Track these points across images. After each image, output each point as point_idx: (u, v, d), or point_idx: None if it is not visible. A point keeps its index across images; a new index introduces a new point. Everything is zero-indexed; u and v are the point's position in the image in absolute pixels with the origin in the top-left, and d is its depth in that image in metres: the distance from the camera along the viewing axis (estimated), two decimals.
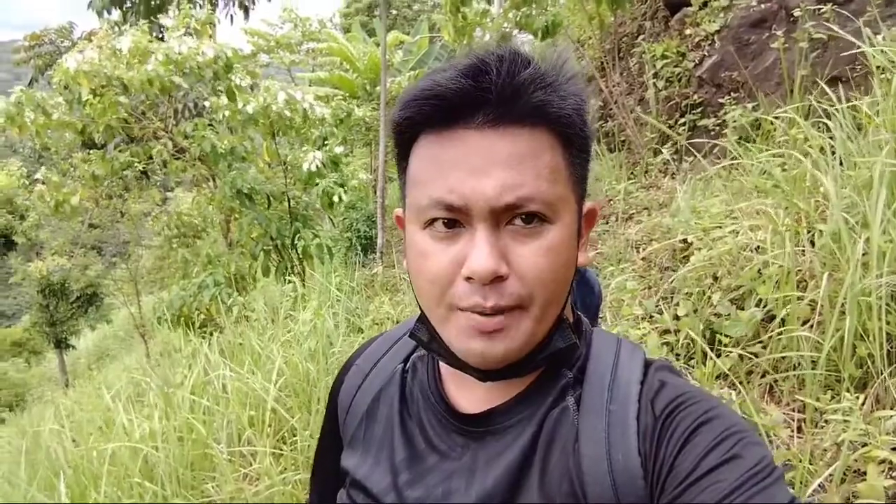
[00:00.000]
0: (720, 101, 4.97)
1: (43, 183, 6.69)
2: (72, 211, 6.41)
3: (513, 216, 0.62)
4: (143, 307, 13.54)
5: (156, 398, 3.75)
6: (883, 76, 2.74)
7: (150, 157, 6.32)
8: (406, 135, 0.67)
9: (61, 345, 16.53)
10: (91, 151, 6.88)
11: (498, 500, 0.67)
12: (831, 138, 2.88)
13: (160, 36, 6.41)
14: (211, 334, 5.29)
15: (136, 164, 6.40)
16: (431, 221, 0.64)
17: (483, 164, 0.61)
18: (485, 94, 0.61)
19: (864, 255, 2.19)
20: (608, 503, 0.63)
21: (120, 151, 6.35)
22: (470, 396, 0.74)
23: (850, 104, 2.90)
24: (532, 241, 0.63)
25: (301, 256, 6.28)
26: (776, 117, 3.71)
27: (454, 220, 0.63)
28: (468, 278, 0.62)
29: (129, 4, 10.77)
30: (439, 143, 0.64)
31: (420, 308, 0.71)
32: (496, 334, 0.63)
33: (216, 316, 5.69)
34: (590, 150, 0.70)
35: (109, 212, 10.86)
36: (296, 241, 6.09)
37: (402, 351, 0.85)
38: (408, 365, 0.82)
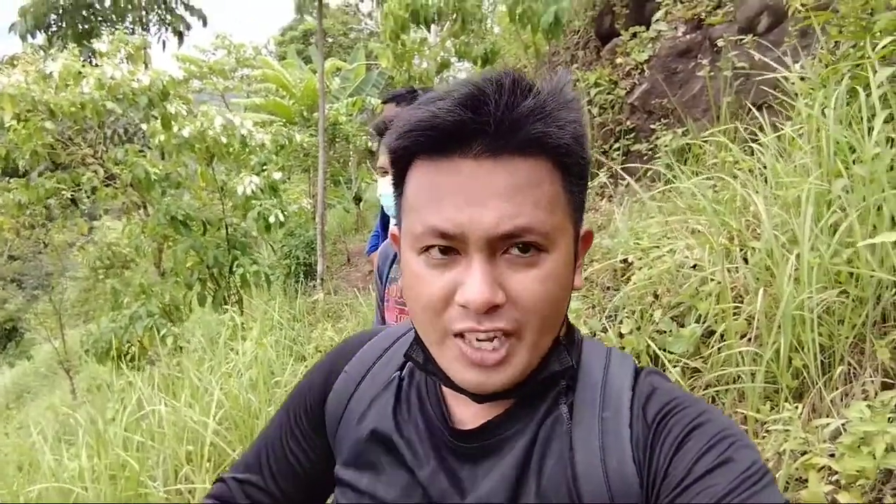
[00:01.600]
0: (651, 126, 5.18)
1: None
2: None
3: (509, 245, 0.62)
4: (68, 341, 12.85)
5: (84, 435, 3.54)
6: (802, 101, 2.91)
7: (78, 185, 6.06)
8: (402, 160, 0.67)
9: None
10: (13, 180, 6.56)
11: None
12: (759, 161, 3.03)
13: (90, 60, 6.20)
14: (145, 367, 5.07)
15: (62, 192, 6.11)
16: (427, 248, 0.64)
17: (480, 194, 0.61)
18: (482, 126, 0.60)
19: (795, 270, 2.29)
20: None
21: (45, 178, 6.06)
22: (467, 408, 0.73)
23: (777, 132, 3.07)
24: (529, 270, 0.63)
25: (239, 285, 6.11)
26: (705, 141, 3.89)
27: (450, 248, 0.63)
28: (462, 305, 0.62)
29: (54, 28, 10.39)
30: (436, 171, 0.63)
31: (415, 330, 0.72)
32: (492, 368, 0.63)
33: (150, 348, 5.45)
34: (587, 176, 0.69)
35: (31, 242, 10.33)
36: (234, 269, 5.92)
37: (397, 358, 0.84)
38: (404, 372, 0.82)
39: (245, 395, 3.66)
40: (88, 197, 6.98)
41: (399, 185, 0.70)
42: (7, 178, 6.84)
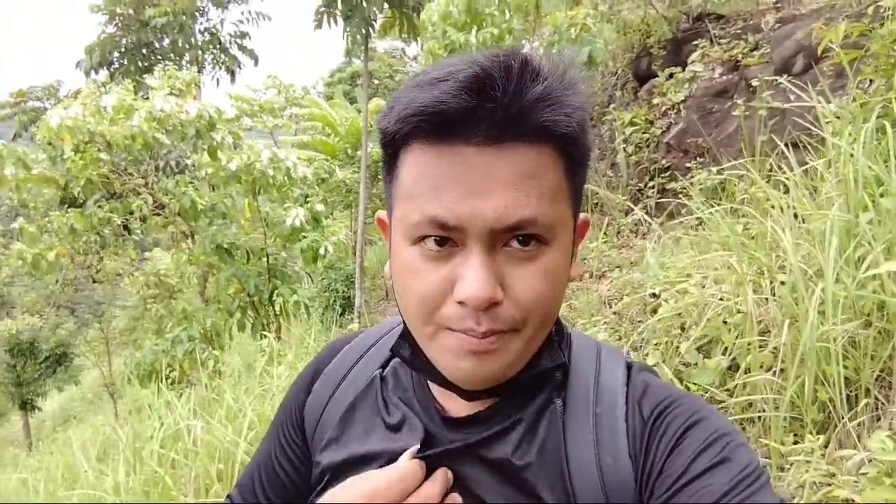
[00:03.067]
0: (687, 165, 5.19)
1: (20, 233, 6.68)
2: (48, 267, 6.37)
3: (510, 238, 0.59)
4: (115, 368, 13.23)
5: (124, 451, 3.66)
6: (833, 139, 2.92)
7: (131, 213, 6.35)
8: (398, 142, 0.62)
9: (27, 406, 15.98)
10: (69, 209, 6.92)
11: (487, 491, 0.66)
12: (788, 196, 3.04)
13: (145, 96, 6.56)
14: (183, 390, 5.22)
15: (115, 219, 6.42)
16: (422, 238, 0.60)
17: (483, 183, 0.57)
18: (489, 113, 0.56)
19: (820, 303, 2.28)
20: None
21: (99, 207, 6.38)
22: (456, 401, 0.71)
23: (806, 166, 3.08)
24: (529, 264, 0.60)
25: (278, 313, 6.27)
26: (739, 177, 3.89)
27: (447, 238, 0.59)
28: (460, 302, 0.59)
29: (116, 65, 11.03)
30: (434, 157, 0.59)
31: (404, 323, 0.69)
32: (486, 355, 0.61)
33: (189, 372, 5.61)
34: (588, 162, 0.66)
35: (85, 271, 10.76)
36: (273, 298, 6.09)
37: (378, 357, 0.81)
38: (386, 371, 0.79)
39: None
40: (140, 226, 7.31)
41: (391, 168, 0.65)
42: (66, 207, 7.22)
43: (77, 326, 16.78)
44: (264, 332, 5.69)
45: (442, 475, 0.66)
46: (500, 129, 0.57)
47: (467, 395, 0.66)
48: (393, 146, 0.63)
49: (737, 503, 0.55)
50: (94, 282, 12.24)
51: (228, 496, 0.88)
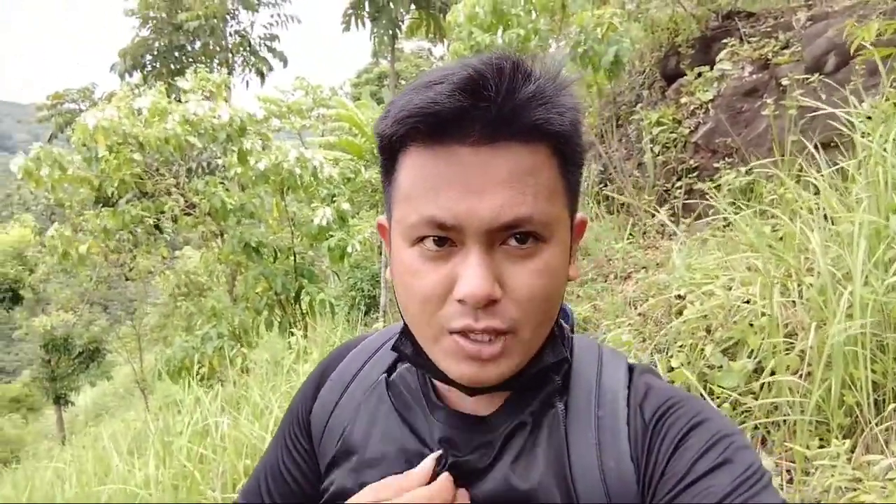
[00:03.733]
0: (715, 165, 5.13)
1: (55, 236, 6.86)
2: (79, 260, 6.51)
3: (507, 236, 0.60)
4: (146, 363, 13.50)
5: (154, 445, 3.75)
6: (864, 140, 2.87)
7: (162, 212, 6.49)
8: (394, 146, 0.64)
9: (60, 401, 16.40)
10: (104, 208, 7.09)
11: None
12: (819, 197, 2.99)
13: (178, 98, 6.70)
14: (212, 386, 5.31)
15: (147, 218, 6.56)
16: (421, 239, 0.61)
17: (479, 183, 0.58)
18: (483, 113, 0.58)
19: (848, 306, 2.25)
20: None
21: (132, 206, 6.53)
22: (460, 401, 0.72)
23: (837, 166, 3.03)
24: (527, 262, 0.61)
25: (304, 312, 6.34)
26: (768, 178, 3.85)
27: (445, 238, 0.60)
28: (460, 301, 0.60)
29: (149, 68, 11.26)
30: (431, 158, 0.60)
31: (404, 322, 0.69)
32: (489, 361, 0.61)
33: (218, 369, 5.71)
34: (583, 162, 0.67)
35: (118, 268, 11.00)
36: (300, 297, 6.16)
37: (383, 362, 0.81)
38: (393, 375, 0.79)
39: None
40: (172, 226, 7.46)
41: (389, 172, 0.66)
42: (100, 206, 7.39)
43: (109, 323, 17.17)
44: (291, 331, 5.76)
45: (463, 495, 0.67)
46: (495, 129, 0.58)
47: (470, 391, 0.67)
48: (390, 150, 0.64)
49: None
50: (127, 279, 12.50)
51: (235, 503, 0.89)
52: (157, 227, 7.23)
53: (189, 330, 6.36)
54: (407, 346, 0.71)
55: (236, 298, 7.26)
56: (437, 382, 0.74)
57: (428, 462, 0.67)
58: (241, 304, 6.44)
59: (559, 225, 0.63)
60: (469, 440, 0.70)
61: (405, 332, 0.71)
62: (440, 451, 0.69)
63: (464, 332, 0.61)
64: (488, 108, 0.58)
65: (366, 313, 8.08)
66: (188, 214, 6.60)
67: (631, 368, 0.71)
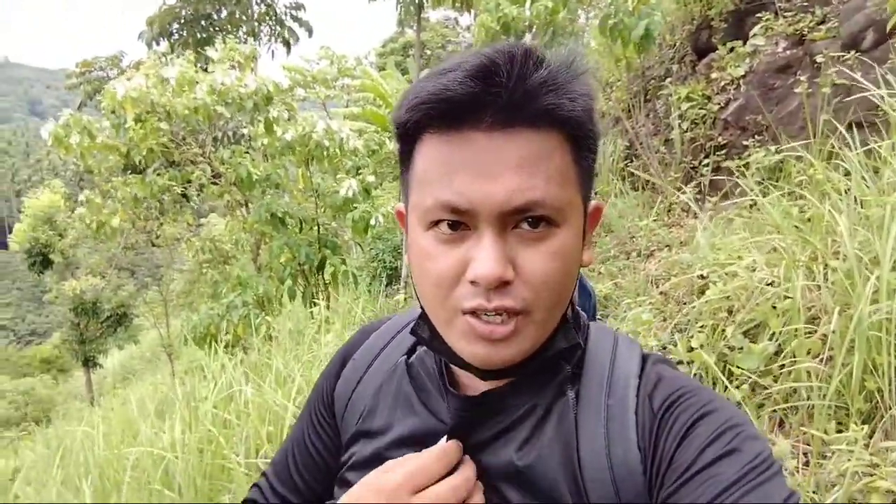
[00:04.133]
0: (744, 143, 5.04)
1: (84, 204, 7.00)
2: (112, 232, 6.66)
3: (520, 220, 0.61)
4: (172, 329, 13.79)
5: (181, 410, 3.85)
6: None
7: (189, 181, 6.57)
8: (410, 133, 0.65)
9: (89, 363, 16.85)
10: (132, 175, 7.19)
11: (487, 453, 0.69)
12: (849, 179, 2.94)
13: (205, 67, 6.73)
14: (236, 354, 5.42)
15: (174, 187, 6.65)
16: (436, 223, 0.63)
17: (492, 167, 0.60)
18: (494, 98, 0.59)
19: (874, 292, 2.23)
20: (608, 498, 0.63)
21: (159, 175, 6.62)
22: (476, 385, 0.73)
23: (868, 147, 2.97)
24: (539, 245, 0.62)
25: (327, 282, 6.41)
26: (797, 158, 3.78)
27: (459, 222, 0.62)
28: (473, 282, 0.61)
29: (176, 37, 11.29)
30: (446, 144, 0.62)
31: (422, 306, 0.71)
32: (501, 341, 0.63)
33: (243, 336, 5.82)
34: (597, 149, 0.68)
35: (145, 235, 11.19)
36: (324, 267, 6.23)
37: (404, 344, 0.84)
38: (412, 357, 0.81)
39: None
40: (198, 194, 7.54)
41: (406, 160, 0.68)
42: (128, 173, 7.50)
43: (137, 288, 17.51)
44: (314, 301, 5.84)
45: (470, 464, 0.69)
46: (507, 114, 0.59)
47: (483, 374, 0.68)
48: (407, 138, 0.66)
49: (744, 494, 0.55)
50: (153, 245, 12.70)
51: (264, 473, 0.92)
52: (183, 195, 7.33)
53: (215, 297, 6.46)
54: (424, 330, 0.73)
55: (260, 267, 7.36)
56: (453, 367, 0.75)
57: (444, 443, 0.69)
58: (265, 273, 6.53)
59: (572, 210, 0.64)
60: (480, 423, 0.71)
61: (423, 316, 0.72)
62: (452, 440, 0.70)
63: (476, 313, 0.62)
64: (499, 93, 0.59)
65: (387, 284, 8.14)
66: (214, 184, 6.67)
67: (645, 358, 0.72)
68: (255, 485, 0.92)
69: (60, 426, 6.92)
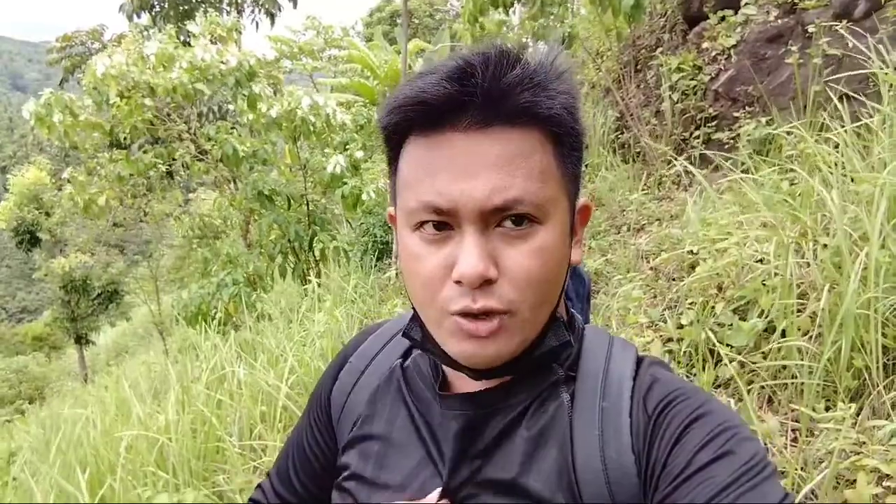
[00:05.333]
0: (735, 114, 5.01)
1: (69, 182, 6.91)
2: (99, 211, 6.59)
3: (502, 218, 0.61)
4: (163, 305, 13.76)
5: (174, 391, 3.85)
6: (891, 93, 2.78)
7: (174, 159, 6.49)
8: (394, 138, 0.67)
9: (81, 340, 16.83)
10: (117, 151, 7.07)
11: (478, 460, 0.69)
12: (839, 154, 2.93)
13: (187, 41, 6.60)
14: (226, 333, 5.41)
15: (159, 165, 6.56)
16: (421, 224, 0.64)
17: (471, 166, 0.60)
18: (470, 98, 0.60)
19: (864, 268, 2.23)
20: (603, 500, 0.63)
21: (144, 152, 6.53)
22: (468, 382, 0.73)
23: (859, 123, 2.95)
24: (522, 243, 0.62)
25: (318, 259, 6.39)
26: (788, 133, 3.75)
27: (443, 222, 0.62)
28: (458, 281, 0.61)
29: (157, 9, 11.05)
30: (427, 146, 0.63)
31: (413, 308, 0.71)
32: (487, 339, 0.63)
33: (235, 314, 5.81)
34: (582, 147, 0.68)
35: (133, 211, 11.08)
36: (313, 244, 6.20)
37: (399, 347, 0.84)
38: (407, 361, 0.82)
39: (316, 363, 3.88)
40: (184, 171, 7.45)
41: (393, 163, 0.69)
42: (114, 150, 7.38)
43: (127, 265, 17.43)
44: (307, 278, 5.83)
45: None
46: (484, 114, 0.60)
47: (476, 375, 0.68)
48: (392, 142, 0.68)
49: (739, 496, 0.55)
50: (145, 215, 12.57)
51: (268, 473, 0.94)
52: (169, 173, 7.24)
53: (205, 275, 6.43)
54: (416, 332, 0.73)
55: (251, 244, 7.32)
56: (446, 370, 0.76)
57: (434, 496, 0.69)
58: (255, 250, 6.50)
59: (554, 207, 0.64)
60: (474, 426, 0.71)
61: (415, 318, 0.73)
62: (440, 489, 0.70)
63: (463, 313, 0.62)
64: (475, 93, 0.60)
65: (378, 259, 8.12)
66: (200, 160, 6.59)
67: (639, 360, 0.72)
68: (259, 485, 0.93)
69: (55, 406, 6.93)
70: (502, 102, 0.60)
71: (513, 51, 0.62)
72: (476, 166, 0.60)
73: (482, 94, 0.60)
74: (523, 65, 0.61)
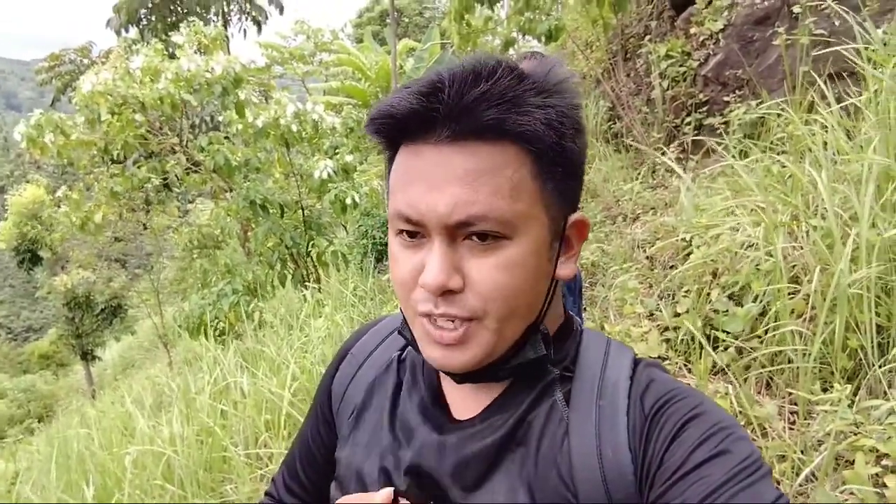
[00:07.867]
0: (725, 99, 5.01)
1: (65, 200, 6.91)
2: (96, 228, 6.60)
3: (468, 232, 0.62)
4: (166, 317, 13.78)
5: (178, 403, 3.86)
6: (875, 72, 2.77)
7: (167, 172, 6.49)
8: (390, 147, 0.69)
9: (87, 356, 16.86)
10: (113, 166, 7.07)
11: (471, 474, 0.69)
12: (828, 135, 2.92)
13: (174, 54, 6.60)
14: (226, 342, 5.42)
15: (153, 179, 6.56)
16: (399, 230, 0.66)
17: (438, 179, 0.61)
18: (434, 114, 0.61)
19: (854, 249, 2.23)
20: (599, 498, 0.64)
21: (139, 167, 6.53)
22: (458, 392, 0.75)
23: (844, 103, 2.94)
24: (488, 256, 0.62)
25: (316, 264, 6.39)
26: (778, 114, 3.75)
27: (415, 231, 0.64)
28: (423, 287, 0.63)
29: (144, 23, 11.04)
30: (408, 156, 0.65)
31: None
32: (453, 346, 0.64)
33: (235, 324, 5.81)
34: (568, 163, 0.66)
35: (133, 225, 11.09)
36: (310, 250, 6.20)
37: (397, 343, 0.85)
38: (404, 354, 0.84)
39: (317, 369, 3.88)
40: (179, 185, 7.45)
41: (388, 168, 0.71)
42: (111, 164, 7.36)
43: (129, 279, 17.43)
44: (305, 284, 5.83)
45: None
46: (451, 128, 0.61)
47: (458, 378, 0.70)
48: (388, 151, 0.70)
49: (733, 495, 0.56)
50: (145, 228, 12.56)
51: (273, 478, 0.96)
52: (165, 185, 7.24)
53: (205, 286, 6.43)
54: (406, 331, 0.74)
55: (250, 253, 7.32)
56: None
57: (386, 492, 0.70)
58: (254, 259, 6.50)
59: (526, 223, 0.63)
60: (462, 431, 0.72)
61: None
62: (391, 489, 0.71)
63: (428, 316, 0.65)
64: (438, 108, 0.61)
65: (377, 260, 8.12)
66: (195, 172, 6.59)
67: (636, 361, 0.72)
68: (273, 480, 0.95)
69: (61, 424, 6.95)
70: (465, 119, 0.60)
71: (488, 66, 0.62)
72: (443, 179, 0.61)
73: (444, 111, 0.60)
74: (495, 81, 0.60)
